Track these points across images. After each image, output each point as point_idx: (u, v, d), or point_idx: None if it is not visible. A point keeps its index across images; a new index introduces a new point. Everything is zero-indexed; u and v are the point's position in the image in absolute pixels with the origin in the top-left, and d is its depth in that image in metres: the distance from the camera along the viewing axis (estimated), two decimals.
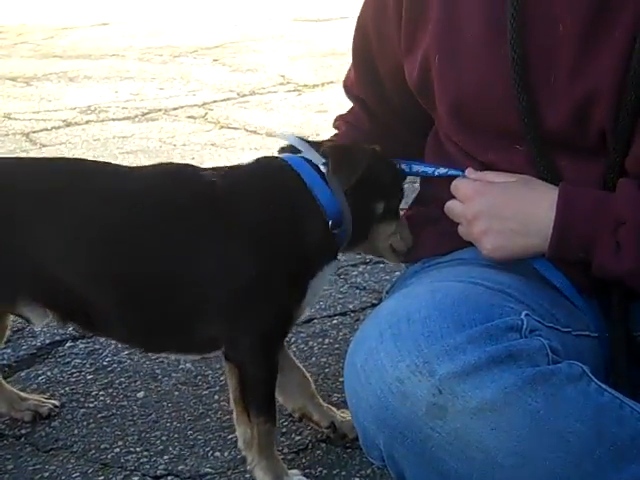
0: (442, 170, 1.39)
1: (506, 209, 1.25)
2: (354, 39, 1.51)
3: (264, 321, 1.33)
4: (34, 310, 1.39)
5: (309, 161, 1.37)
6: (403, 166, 1.44)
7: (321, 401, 1.53)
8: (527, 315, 1.11)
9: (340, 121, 1.61)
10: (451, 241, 1.37)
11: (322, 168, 1.36)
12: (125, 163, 3.21)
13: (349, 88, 1.58)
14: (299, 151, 1.40)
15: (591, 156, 1.24)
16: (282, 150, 1.43)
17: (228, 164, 1.52)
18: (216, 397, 1.68)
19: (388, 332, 1.09)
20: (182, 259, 1.32)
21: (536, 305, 1.22)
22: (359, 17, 1.49)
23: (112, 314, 1.37)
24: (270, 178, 1.38)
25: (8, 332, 1.58)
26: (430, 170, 1.42)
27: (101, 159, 3.30)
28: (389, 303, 1.18)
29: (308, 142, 1.41)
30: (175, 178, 1.38)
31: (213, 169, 1.43)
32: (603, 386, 1.07)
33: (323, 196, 1.34)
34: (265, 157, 1.45)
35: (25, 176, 1.38)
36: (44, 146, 3.51)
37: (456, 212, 1.31)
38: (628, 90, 1.16)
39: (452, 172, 1.36)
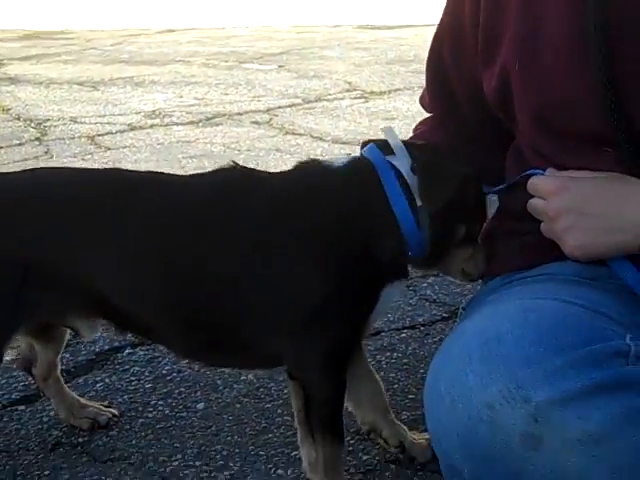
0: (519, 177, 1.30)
1: (592, 204, 1.17)
2: (429, 58, 1.46)
3: (331, 338, 1.25)
4: (85, 323, 1.35)
5: (396, 169, 1.26)
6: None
7: (394, 418, 1.44)
8: (632, 339, 1.01)
9: (422, 125, 1.55)
10: (536, 255, 1.28)
11: (409, 180, 1.26)
12: (188, 167, 3.19)
13: (425, 106, 1.54)
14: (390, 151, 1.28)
15: None
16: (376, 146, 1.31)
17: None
18: (279, 411, 1.60)
19: (477, 353, 1.00)
20: (245, 274, 1.24)
21: (635, 327, 1.11)
22: (434, 35, 1.44)
23: (171, 330, 1.31)
24: (349, 186, 1.28)
25: (67, 337, 1.53)
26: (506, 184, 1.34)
27: (165, 163, 3.29)
28: (475, 322, 1.09)
29: (406, 144, 1.30)
30: (238, 186, 1.29)
31: (284, 173, 1.34)
32: None
33: (403, 217, 1.25)
34: (356, 160, 1.31)
35: (81, 187, 1.32)
36: (108, 149, 3.50)
37: (539, 208, 1.23)
38: None
39: (532, 172, 1.27)
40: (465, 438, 0.99)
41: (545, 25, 1.20)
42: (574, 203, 1.18)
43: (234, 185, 1.30)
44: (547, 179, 1.22)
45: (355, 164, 1.30)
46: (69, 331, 1.48)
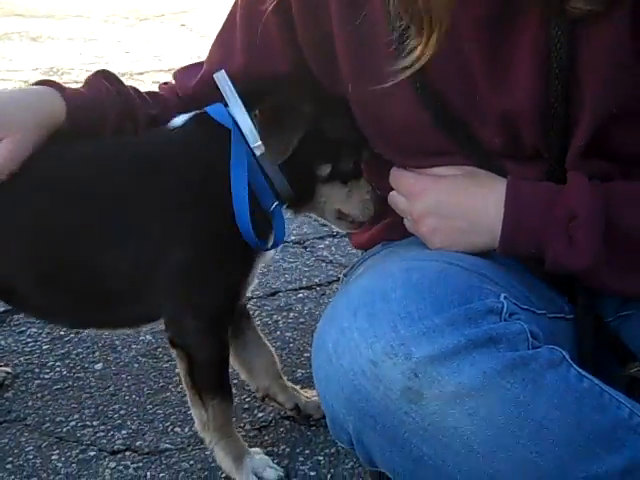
0: None
1: (454, 207, 1.19)
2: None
3: (204, 303, 1.25)
4: None
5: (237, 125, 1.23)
6: None
7: (286, 382, 1.49)
8: (506, 298, 1.07)
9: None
10: (405, 230, 1.31)
11: (248, 134, 1.23)
12: None
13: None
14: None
15: (533, 160, 1.19)
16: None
17: None
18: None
19: (362, 311, 1.04)
20: (115, 241, 1.24)
21: (511, 287, 1.18)
22: None
23: (40, 295, 1.29)
24: (201, 151, 1.26)
25: None
26: None
27: None
28: (361, 282, 1.13)
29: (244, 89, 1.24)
30: (107, 152, 1.28)
31: (147, 135, 1.32)
32: (583, 372, 1.04)
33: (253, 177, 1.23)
34: (207, 125, 1.26)
35: None
36: None
37: (401, 208, 1.26)
38: (551, 107, 1.11)
39: None
40: (349, 393, 1.03)
41: (370, 38, 1.16)
42: (435, 207, 1.20)
43: (103, 152, 1.28)
44: (409, 179, 1.24)
45: (207, 129, 1.26)
46: None
